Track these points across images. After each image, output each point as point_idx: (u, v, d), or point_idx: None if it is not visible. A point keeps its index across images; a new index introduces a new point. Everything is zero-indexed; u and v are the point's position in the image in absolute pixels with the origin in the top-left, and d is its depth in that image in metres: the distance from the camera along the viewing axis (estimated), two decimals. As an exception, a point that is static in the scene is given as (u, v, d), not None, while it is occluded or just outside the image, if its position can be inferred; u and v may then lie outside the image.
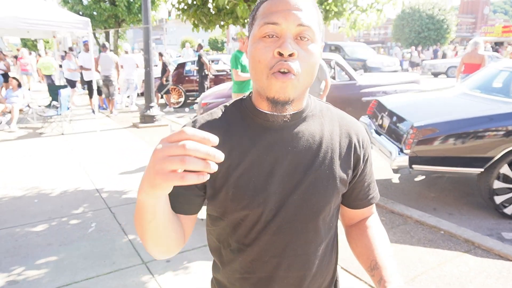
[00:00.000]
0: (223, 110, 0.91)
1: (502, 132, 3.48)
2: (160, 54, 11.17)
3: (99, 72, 9.45)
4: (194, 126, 0.88)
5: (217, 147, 0.84)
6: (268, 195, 0.84)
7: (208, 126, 0.87)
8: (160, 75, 10.42)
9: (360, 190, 0.97)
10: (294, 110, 0.85)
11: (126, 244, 3.16)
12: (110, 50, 13.92)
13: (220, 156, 0.56)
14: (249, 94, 0.91)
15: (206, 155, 0.55)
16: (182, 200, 0.86)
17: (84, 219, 3.64)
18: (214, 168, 0.56)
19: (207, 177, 0.57)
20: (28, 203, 4.01)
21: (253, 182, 0.84)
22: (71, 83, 10.28)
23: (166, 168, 0.56)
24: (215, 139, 0.56)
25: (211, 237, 0.97)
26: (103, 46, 9.62)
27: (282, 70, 0.76)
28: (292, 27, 0.77)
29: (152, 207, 0.68)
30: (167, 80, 10.25)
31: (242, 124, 0.87)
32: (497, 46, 29.03)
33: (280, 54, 0.76)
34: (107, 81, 9.41)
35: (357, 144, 0.92)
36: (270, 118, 0.85)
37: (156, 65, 11.14)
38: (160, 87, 10.33)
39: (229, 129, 0.87)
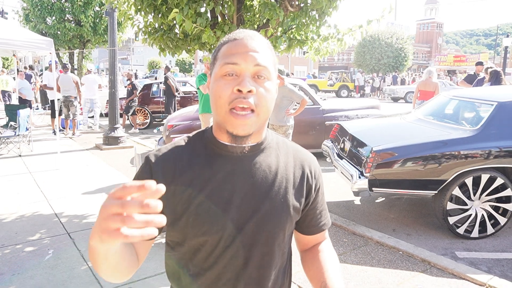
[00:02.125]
0: (186, 141, 0.96)
1: (454, 156, 3.71)
2: (130, 75, 11.00)
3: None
4: (157, 155, 0.92)
5: (180, 175, 0.89)
6: (226, 222, 0.89)
7: (171, 156, 0.92)
8: (126, 96, 10.31)
9: (313, 217, 1.04)
10: (253, 142, 0.92)
11: (85, 271, 3.05)
12: (75, 69, 13.62)
13: (159, 205, 0.57)
14: (210, 126, 0.97)
15: (147, 209, 0.56)
16: None
17: (41, 245, 3.48)
18: (160, 222, 0.57)
19: (153, 231, 0.58)
20: (-21, 230, 3.79)
21: (212, 210, 0.88)
22: (25, 102, 9.91)
23: (110, 227, 0.58)
24: (160, 187, 0.57)
25: (170, 262, 1.00)
26: (64, 66, 9.44)
27: (241, 106, 0.83)
28: (250, 67, 0.85)
29: (104, 252, 0.71)
30: (133, 101, 10.14)
31: (203, 154, 0.93)
32: (450, 74, 31.05)
33: (239, 91, 0.83)
34: (67, 101, 9.19)
35: (309, 175, 1.00)
36: (230, 149, 0.91)
37: (126, 86, 10.97)
38: (127, 108, 10.19)
39: (191, 159, 0.92)
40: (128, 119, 10.70)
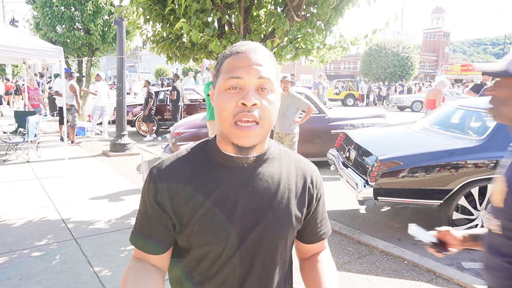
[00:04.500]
0: (188, 151, 0.98)
1: (459, 166, 3.70)
2: (148, 82, 11.05)
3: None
4: (160, 168, 0.94)
5: (184, 186, 0.91)
6: (230, 232, 0.90)
7: (174, 168, 0.94)
8: (143, 103, 10.43)
9: (313, 226, 1.05)
10: (256, 153, 0.93)
11: (92, 276, 3.07)
12: (83, 77, 13.82)
13: None
14: (214, 137, 0.99)
15: None
16: (157, 241, 0.94)
17: (48, 251, 3.52)
18: None
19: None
20: (-12, 235, 3.84)
21: (216, 220, 0.90)
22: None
23: None
24: None
25: (174, 269, 1.01)
26: (70, 74, 9.57)
27: (245, 119, 0.84)
28: (253, 80, 0.86)
29: None
30: (151, 109, 10.25)
31: (207, 165, 0.94)
32: (457, 83, 30.98)
33: (244, 105, 0.85)
34: (66, 109, 9.27)
35: (311, 185, 1.02)
36: (233, 160, 0.93)
37: (137, 94, 11.08)
38: (149, 117, 10.28)
39: (195, 169, 0.94)
40: (144, 126, 10.83)
